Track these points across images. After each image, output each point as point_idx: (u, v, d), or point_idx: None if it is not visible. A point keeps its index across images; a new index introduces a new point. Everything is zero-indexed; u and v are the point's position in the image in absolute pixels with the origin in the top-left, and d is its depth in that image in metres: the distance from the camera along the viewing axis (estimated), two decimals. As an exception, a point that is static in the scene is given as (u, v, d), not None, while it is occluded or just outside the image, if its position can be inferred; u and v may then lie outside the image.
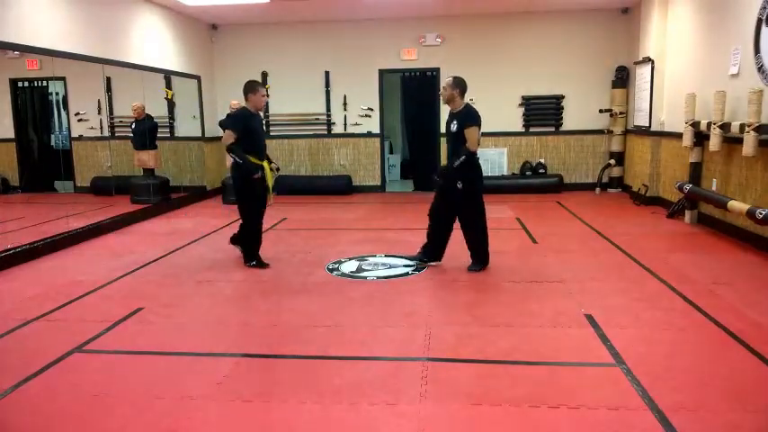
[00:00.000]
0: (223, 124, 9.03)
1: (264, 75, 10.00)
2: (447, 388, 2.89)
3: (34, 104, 7.72)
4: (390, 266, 5.16)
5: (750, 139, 5.16)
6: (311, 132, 10.05)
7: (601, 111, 9.39)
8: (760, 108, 5.10)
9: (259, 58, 9.96)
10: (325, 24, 9.73)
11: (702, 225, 6.55)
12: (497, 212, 7.83)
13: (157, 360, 3.34)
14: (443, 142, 9.77)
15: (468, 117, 4.78)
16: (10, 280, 5.01)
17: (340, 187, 9.73)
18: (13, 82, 7.29)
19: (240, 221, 5.24)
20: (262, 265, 5.16)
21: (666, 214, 7.20)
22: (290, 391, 2.90)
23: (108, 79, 7.67)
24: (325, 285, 4.66)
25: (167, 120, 9.12)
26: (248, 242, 5.23)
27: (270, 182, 5.19)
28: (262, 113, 5.12)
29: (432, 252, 5.10)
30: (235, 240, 5.45)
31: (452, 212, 4.96)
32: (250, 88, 5.07)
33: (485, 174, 9.45)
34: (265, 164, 5.12)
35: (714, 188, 6.29)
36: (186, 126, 9.41)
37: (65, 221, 6.39)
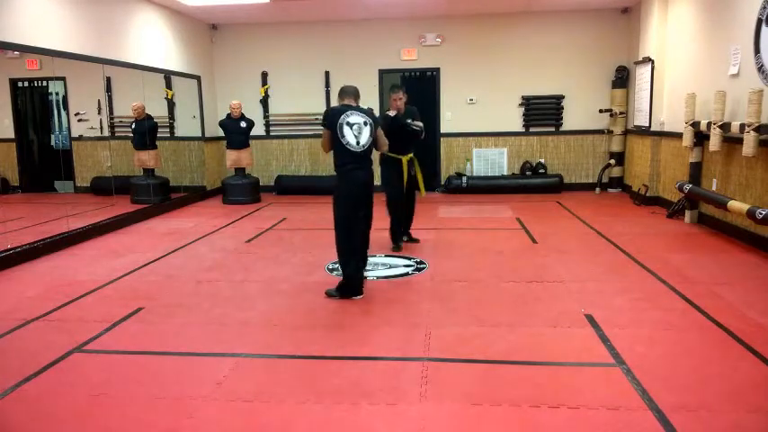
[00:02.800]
0: (223, 124, 9.08)
1: (264, 75, 10.01)
2: (447, 388, 2.89)
3: (34, 104, 7.71)
4: (390, 266, 5.16)
5: (750, 139, 5.16)
6: (311, 132, 10.04)
7: (601, 111, 9.39)
8: (760, 108, 5.10)
9: (259, 58, 9.96)
10: (325, 24, 9.73)
11: (702, 225, 6.55)
12: (497, 212, 7.84)
13: (157, 360, 3.34)
14: (443, 142, 9.88)
15: None
16: (10, 280, 5.01)
17: (340, 187, 9.72)
18: (13, 82, 7.28)
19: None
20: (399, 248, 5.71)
21: (666, 214, 7.20)
22: (289, 392, 2.90)
23: (108, 79, 7.66)
24: (325, 285, 4.66)
25: (167, 120, 9.12)
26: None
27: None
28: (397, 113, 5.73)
29: None
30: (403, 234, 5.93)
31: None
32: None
33: (485, 173, 9.69)
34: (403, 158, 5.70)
35: (714, 188, 6.29)
36: (186, 126, 9.41)
37: (65, 221, 6.39)
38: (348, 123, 4.26)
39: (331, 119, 4.28)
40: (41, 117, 7.80)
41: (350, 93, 4.47)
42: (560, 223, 7.02)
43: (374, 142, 4.41)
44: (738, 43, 5.76)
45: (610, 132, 9.45)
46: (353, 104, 4.43)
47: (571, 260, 5.26)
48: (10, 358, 3.39)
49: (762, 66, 5.30)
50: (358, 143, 4.28)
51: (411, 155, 5.74)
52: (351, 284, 4.33)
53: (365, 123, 4.32)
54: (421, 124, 5.64)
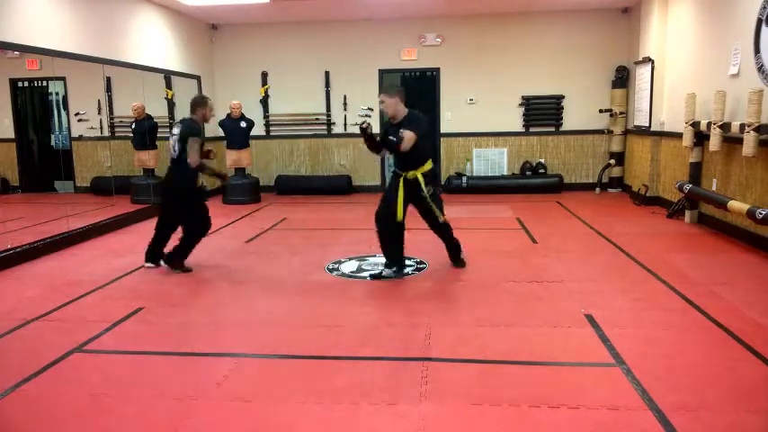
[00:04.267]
0: (223, 124, 9.08)
1: (264, 75, 10.01)
2: (447, 388, 2.89)
3: (34, 104, 7.71)
4: (390, 266, 5.15)
5: (750, 139, 5.16)
6: (311, 132, 10.06)
7: (601, 111, 9.39)
8: (760, 108, 5.10)
9: (259, 58, 9.96)
10: (325, 24, 9.73)
11: (702, 225, 6.55)
12: (497, 212, 7.84)
13: (157, 360, 3.34)
14: (443, 142, 9.88)
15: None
16: (10, 280, 5.00)
17: (340, 187, 9.73)
18: (13, 82, 7.28)
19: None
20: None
21: (666, 214, 7.20)
22: (290, 392, 2.90)
23: (108, 79, 7.66)
24: (325, 285, 4.66)
25: (167, 120, 9.12)
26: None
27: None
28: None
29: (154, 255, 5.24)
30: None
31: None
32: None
33: (485, 173, 9.73)
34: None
35: (714, 188, 6.29)
36: (186, 126, 9.39)
37: (65, 221, 6.39)
38: (172, 135, 5.04)
39: None
40: (41, 117, 7.79)
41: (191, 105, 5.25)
42: (560, 223, 7.03)
43: (184, 151, 4.88)
44: (738, 43, 5.76)
45: (610, 132, 9.45)
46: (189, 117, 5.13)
47: (571, 260, 5.26)
48: (10, 358, 3.38)
49: (762, 66, 5.30)
50: (174, 150, 4.98)
51: (417, 172, 4.65)
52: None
53: (173, 134, 5.02)
54: (403, 134, 4.45)
